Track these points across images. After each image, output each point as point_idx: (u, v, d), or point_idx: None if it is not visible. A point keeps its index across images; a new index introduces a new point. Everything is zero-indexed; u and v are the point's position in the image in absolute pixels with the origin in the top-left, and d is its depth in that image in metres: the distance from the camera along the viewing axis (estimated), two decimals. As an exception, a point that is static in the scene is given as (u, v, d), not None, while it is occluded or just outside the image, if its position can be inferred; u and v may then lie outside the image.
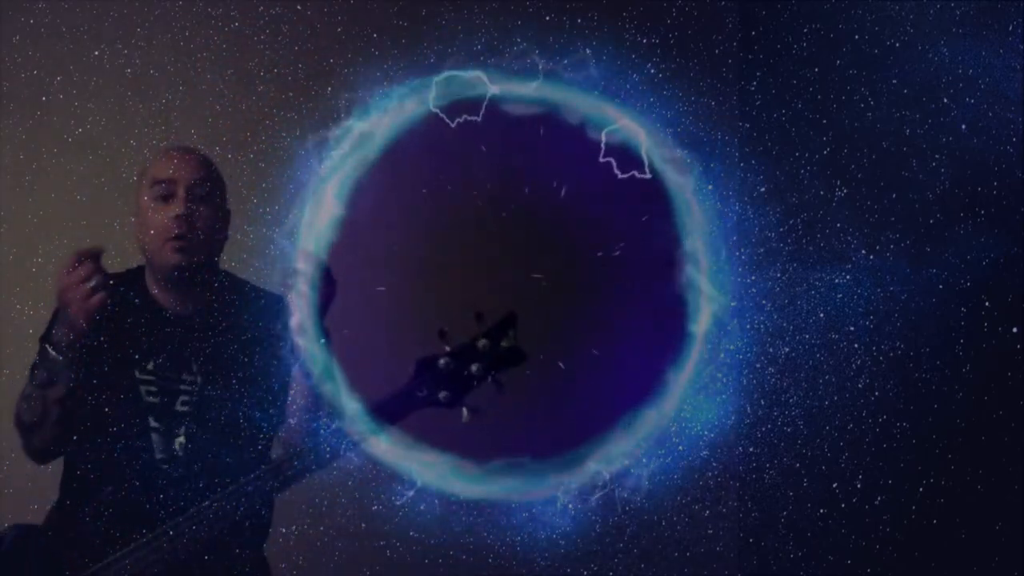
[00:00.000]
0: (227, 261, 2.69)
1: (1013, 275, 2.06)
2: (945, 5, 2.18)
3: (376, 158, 2.75)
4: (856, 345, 2.42)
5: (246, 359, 1.96)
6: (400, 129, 2.75)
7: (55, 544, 1.92)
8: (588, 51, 2.78)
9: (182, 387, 1.96)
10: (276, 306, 2.02)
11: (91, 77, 2.74)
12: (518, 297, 2.78)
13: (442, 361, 1.89)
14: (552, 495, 2.63)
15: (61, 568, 1.87)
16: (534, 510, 2.70)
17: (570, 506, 2.70)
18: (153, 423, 1.93)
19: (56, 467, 2.58)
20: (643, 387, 2.77)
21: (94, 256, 1.86)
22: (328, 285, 1.96)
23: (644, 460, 2.72)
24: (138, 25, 2.75)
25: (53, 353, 1.87)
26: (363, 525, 2.74)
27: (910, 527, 2.31)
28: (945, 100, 2.16)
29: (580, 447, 2.65)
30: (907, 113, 2.30)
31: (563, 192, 2.78)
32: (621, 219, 2.80)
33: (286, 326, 1.99)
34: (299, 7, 2.81)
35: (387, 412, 1.89)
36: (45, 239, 2.71)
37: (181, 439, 1.94)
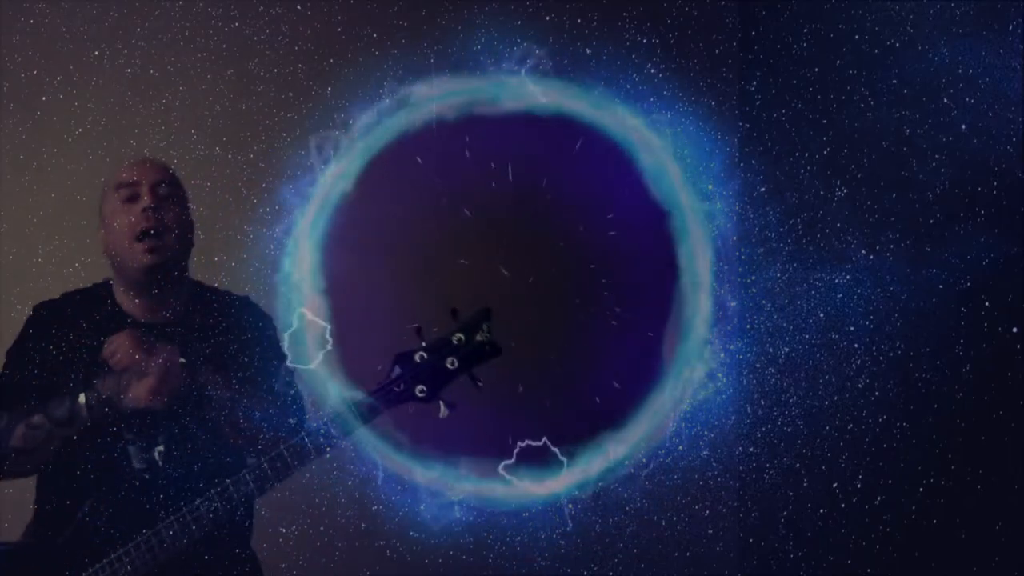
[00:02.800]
0: (227, 260, 2.70)
1: (1013, 275, 2.06)
2: (945, 5, 2.18)
3: (375, 159, 2.75)
4: (856, 345, 2.42)
5: (221, 364, 1.95)
6: (400, 130, 2.75)
7: (36, 559, 1.89)
8: (588, 51, 2.78)
9: None
10: (245, 309, 2.05)
11: (91, 77, 2.74)
12: (513, 295, 2.78)
13: (418, 356, 1.87)
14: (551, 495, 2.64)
15: None
16: (534, 510, 2.71)
17: (570, 506, 2.70)
18: (127, 435, 1.92)
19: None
20: (639, 385, 2.77)
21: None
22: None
23: (644, 460, 2.72)
24: (138, 25, 2.75)
25: (86, 405, 1.88)
26: (363, 525, 2.74)
27: (910, 527, 2.31)
28: (945, 100, 2.16)
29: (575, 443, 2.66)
30: (907, 113, 2.30)
31: (562, 192, 2.79)
32: (620, 220, 2.80)
33: (262, 328, 2.03)
34: (299, 7, 2.81)
35: (367, 408, 1.87)
36: (45, 239, 2.71)
37: (160, 448, 1.93)
